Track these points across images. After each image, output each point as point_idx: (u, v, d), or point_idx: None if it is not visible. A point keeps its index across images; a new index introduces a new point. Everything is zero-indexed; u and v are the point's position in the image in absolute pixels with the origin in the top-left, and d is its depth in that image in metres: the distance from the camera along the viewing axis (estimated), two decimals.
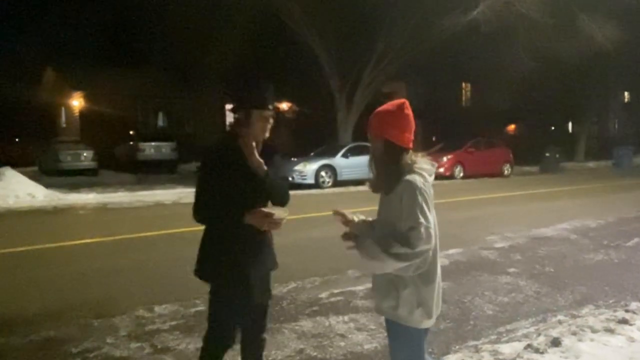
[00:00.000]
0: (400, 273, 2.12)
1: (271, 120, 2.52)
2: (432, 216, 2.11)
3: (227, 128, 2.47)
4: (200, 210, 2.50)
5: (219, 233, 2.54)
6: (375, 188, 2.27)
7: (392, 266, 2.08)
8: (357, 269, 5.63)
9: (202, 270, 2.59)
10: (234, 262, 2.51)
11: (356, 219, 2.31)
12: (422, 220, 2.05)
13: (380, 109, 2.26)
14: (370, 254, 2.09)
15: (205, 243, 2.59)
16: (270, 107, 2.50)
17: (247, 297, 2.54)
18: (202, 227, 2.63)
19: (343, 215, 2.31)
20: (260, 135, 2.51)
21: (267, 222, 2.42)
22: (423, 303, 2.16)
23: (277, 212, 2.44)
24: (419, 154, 2.23)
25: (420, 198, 2.07)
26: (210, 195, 2.48)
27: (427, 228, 2.05)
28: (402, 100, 2.25)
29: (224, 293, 2.55)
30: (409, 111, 2.23)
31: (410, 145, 2.22)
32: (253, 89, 2.52)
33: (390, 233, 2.10)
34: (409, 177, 2.12)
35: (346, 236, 2.23)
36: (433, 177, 2.21)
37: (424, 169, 2.17)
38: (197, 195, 2.51)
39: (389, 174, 2.18)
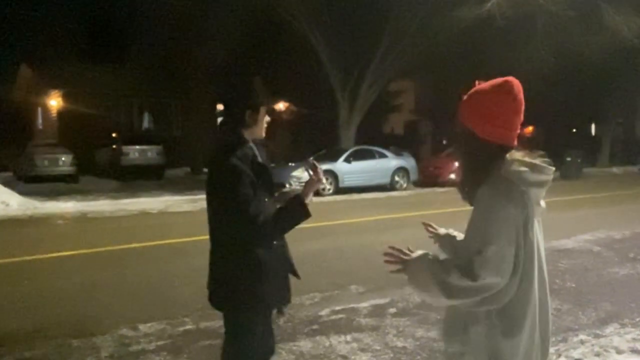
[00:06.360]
0: (468, 308, 1.73)
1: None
2: (525, 242, 1.75)
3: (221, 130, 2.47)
4: (267, 223, 2.46)
5: (237, 253, 2.46)
6: (462, 195, 1.90)
7: (443, 302, 1.73)
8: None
9: (216, 295, 2.53)
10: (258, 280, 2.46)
11: (442, 232, 2.09)
12: (494, 242, 1.65)
13: (477, 87, 1.87)
14: (418, 282, 1.75)
15: (221, 264, 2.51)
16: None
17: (267, 311, 2.57)
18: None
19: (431, 226, 2.13)
20: (263, 135, 2.62)
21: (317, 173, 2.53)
22: (498, 356, 1.71)
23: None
24: (522, 153, 1.80)
25: (500, 213, 1.68)
26: (260, 205, 2.44)
27: (498, 254, 1.66)
28: (505, 78, 1.81)
29: (243, 319, 2.48)
30: (510, 96, 1.77)
31: (505, 141, 1.79)
32: (250, 87, 2.65)
33: (459, 256, 1.78)
34: (491, 182, 1.73)
35: (392, 255, 1.82)
36: (546, 182, 1.79)
37: (521, 173, 1.73)
38: (249, 209, 2.38)
39: (467, 176, 1.85)
